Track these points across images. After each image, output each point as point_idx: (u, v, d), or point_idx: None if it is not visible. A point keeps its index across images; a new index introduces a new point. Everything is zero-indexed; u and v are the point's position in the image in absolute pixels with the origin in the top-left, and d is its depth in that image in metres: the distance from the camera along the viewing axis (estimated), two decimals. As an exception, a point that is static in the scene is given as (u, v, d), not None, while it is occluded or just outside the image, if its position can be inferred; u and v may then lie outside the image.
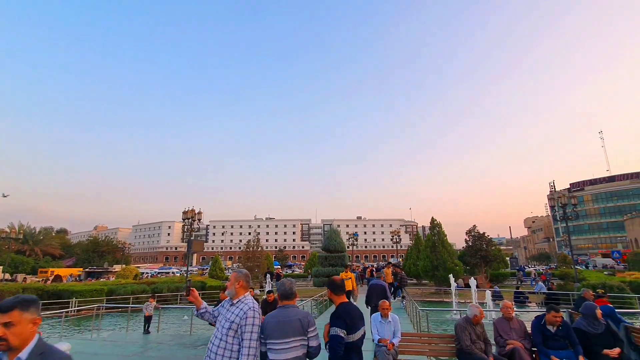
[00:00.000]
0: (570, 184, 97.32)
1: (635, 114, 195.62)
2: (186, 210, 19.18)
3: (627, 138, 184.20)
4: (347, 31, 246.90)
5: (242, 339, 2.75)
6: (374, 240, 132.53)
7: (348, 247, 33.90)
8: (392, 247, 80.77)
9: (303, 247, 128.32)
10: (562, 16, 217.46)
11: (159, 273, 51.16)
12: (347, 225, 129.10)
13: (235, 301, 2.97)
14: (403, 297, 16.10)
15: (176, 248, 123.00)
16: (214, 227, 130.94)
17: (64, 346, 5.33)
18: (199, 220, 19.60)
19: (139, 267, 58.10)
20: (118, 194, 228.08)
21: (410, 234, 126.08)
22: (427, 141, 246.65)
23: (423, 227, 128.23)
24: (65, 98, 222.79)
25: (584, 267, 48.65)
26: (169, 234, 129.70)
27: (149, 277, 43.70)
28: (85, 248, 60.00)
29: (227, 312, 2.94)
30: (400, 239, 47.09)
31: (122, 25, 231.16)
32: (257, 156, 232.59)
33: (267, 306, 9.44)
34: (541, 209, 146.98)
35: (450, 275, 17.35)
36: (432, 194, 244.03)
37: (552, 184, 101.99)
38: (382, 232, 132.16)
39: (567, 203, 21.06)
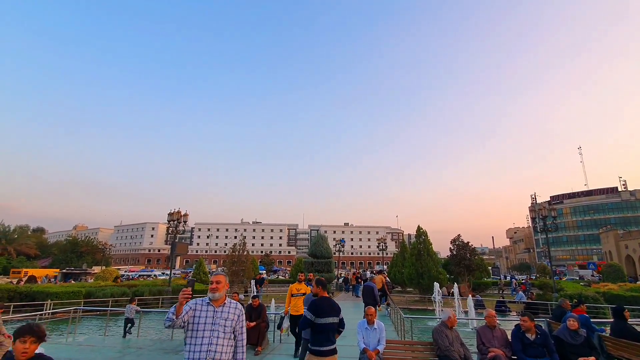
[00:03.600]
0: (550, 197, 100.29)
1: (612, 131, 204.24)
2: (172, 211, 18.83)
3: (604, 154, 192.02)
4: (340, 43, 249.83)
5: (239, 338, 3.18)
6: (360, 247, 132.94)
7: (334, 253, 33.90)
8: (378, 254, 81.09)
9: (289, 252, 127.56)
10: (544, 34, 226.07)
11: (140, 275, 49.80)
12: (334, 232, 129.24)
13: (226, 302, 3.18)
14: (388, 305, 16.19)
15: (159, 250, 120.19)
16: (199, 229, 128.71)
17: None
18: (185, 222, 19.27)
19: (119, 269, 56.42)
20: (101, 193, 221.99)
21: (396, 242, 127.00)
22: (414, 151, 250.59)
23: (409, 235, 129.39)
24: (48, 96, 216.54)
25: (559, 278, 50.03)
26: (152, 236, 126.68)
27: (130, 279, 42.62)
28: (63, 248, 57.90)
29: (220, 312, 3.10)
30: (387, 246, 47.36)
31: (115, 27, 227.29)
32: (246, 160, 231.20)
33: (252, 311, 9.35)
34: (523, 220, 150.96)
35: (436, 284, 17.55)
36: (418, 202, 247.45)
37: (533, 196, 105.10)
38: (369, 239, 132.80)
39: (548, 215, 21.68)
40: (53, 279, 36.86)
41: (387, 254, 56.47)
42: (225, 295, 3.23)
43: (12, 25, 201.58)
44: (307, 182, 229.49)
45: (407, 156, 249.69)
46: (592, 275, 47.41)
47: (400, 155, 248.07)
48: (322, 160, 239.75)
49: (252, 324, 8.84)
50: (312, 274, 16.33)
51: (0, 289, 18.68)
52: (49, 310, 15.26)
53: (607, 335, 6.64)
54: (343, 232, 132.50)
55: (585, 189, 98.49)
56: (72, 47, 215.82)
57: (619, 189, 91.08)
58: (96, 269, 45.85)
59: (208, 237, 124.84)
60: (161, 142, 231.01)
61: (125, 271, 56.19)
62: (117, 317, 15.36)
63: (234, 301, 3.27)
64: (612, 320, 6.99)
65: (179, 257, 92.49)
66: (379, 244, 45.16)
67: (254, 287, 18.65)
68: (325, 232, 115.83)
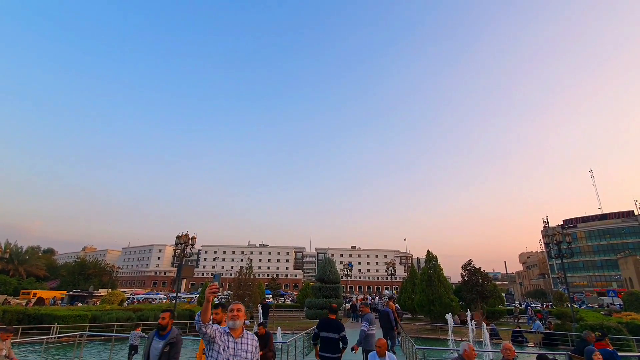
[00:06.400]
0: (563, 221, 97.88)
1: (623, 153, 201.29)
2: (180, 234, 18.92)
3: (616, 177, 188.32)
4: (351, 67, 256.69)
5: None
6: (368, 270, 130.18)
7: (342, 278, 33.23)
8: (387, 278, 79.17)
9: (296, 275, 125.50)
10: (553, 55, 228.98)
11: (145, 298, 49.35)
12: (342, 255, 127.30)
13: (244, 333, 3.14)
14: (398, 333, 15.64)
15: (165, 273, 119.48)
16: (206, 252, 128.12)
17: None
18: (193, 245, 19.29)
19: (125, 291, 56.09)
20: (111, 215, 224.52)
21: (405, 266, 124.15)
22: (423, 175, 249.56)
23: (418, 259, 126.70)
24: (58, 116, 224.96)
25: (578, 305, 47.93)
26: (159, 258, 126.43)
27: (135, 302, 42.19)
28: (71, 270, 58.05)
29: (240, 344, 3.05)
30: (395, 271, 46.34)
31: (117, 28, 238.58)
32: (253, 182, 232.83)
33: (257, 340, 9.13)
34: (536, 244, 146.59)
35: (449, 314, 16.94)
36: (427, 225, 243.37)
37: (545, 220, 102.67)
38: (377, 263, 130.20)
39: (562, 240, 21.08)
40: (60, 301, 36.74)
41: (395, 278, 55.18)
42: (242, 326, 3.15)
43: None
44: (314, 204, 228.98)
45: (416, 179, 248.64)
46: (613, 304, 45.25)
47: (409, 178, 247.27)
48: (329, 182, 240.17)
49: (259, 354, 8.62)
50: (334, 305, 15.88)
51: (10, 311, 18.78)
52: (55, 334, 15.15)
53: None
54: (350, 255, 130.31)
55: (599, 212, 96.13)
56: (79, 69, 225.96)
57: (635, 213, 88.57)
58: (103, 292, 45.66)
59: (214, 259, 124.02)
60: (170, 164, 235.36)
61: (130, 294, 55.86)
62: (122, 343, 15.13)
63: (250, 332, 3.19)
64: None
65: (185, 280, 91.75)
66: (387, 268, 44.22)
67: (261, 313, 18.19)
68: (333, 255, 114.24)
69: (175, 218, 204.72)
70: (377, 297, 44.66)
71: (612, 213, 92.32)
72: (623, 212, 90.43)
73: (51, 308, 22.98)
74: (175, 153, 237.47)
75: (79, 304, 32.69)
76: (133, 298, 48.20)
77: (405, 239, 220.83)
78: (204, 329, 2.87)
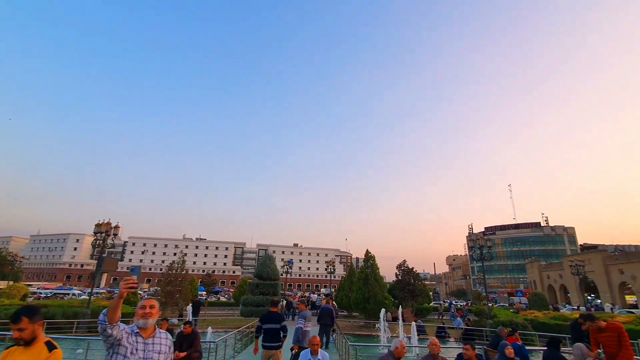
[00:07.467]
0: (485, 228, 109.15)
1: (537, 171, 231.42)
2: (100, 222, 16.67)
3: (530, 192, 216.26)
4: (295, 73, 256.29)
5: None
6: (309, 269, 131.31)
7: (282, 275, 32.72)
8: (327, 276, 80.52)
9: (234, 272, 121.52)
10: (486, 77, 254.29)
11: (56, 294, 43.45)
12: (283, 252, 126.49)
13: (156, 332, 2.78)
14: (333, 330, 15.67)
15: (82, 265, 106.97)
16: (133, 244, 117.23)
17: None
18: (115, 235, 17.13)
19: (30, 285, 49.02)
20: (18, 197, 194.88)
21: (344, 265, 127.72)
22: (369, 180, 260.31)
23: (357, 259, 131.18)
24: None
25: (493, 303, 53.65)
26: (75, 249, 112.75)
27: (42, 298, 36.98)
28: (-40, 259, 48.98)
29: (152, 345, 2.67)
30: (335, 269, 47.12)
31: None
32: (192, 174, 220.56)
33: (183, 339, 8.28)
34: (461, 248, 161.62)
35: (383, 310, 17.46)
36: (368, 227, 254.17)
37: (470, 227, 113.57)
38: (318, 262, 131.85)
39: (484, 245, 23.16)
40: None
41: (335, 277, 56.20)
42: (155, 325, 2.79)
43: None
44: (259, 201, 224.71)
45: (361, 184, 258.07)
46: (520, 303, 51.32)
47: (353, 181, 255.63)
48: (273, 180, 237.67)
49: (183, 354, 7.85)
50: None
51: None
52: None
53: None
54: (292, 253, 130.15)
55: (513, 222, 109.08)
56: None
57: (542, 224, 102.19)
58: (2, 284, 39.36)
59: (143, 252, 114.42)
60: (95, 145, 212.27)
61: (37, 288, 49.05)
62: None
63: (163, 331, 2.86)
64: (541, 348, 7.33)
65: (106, 275, 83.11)
66: (327, 266, 44.76)
67: (190, 312, 16.79)
68: (274, 252, 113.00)
69: (100, 206, 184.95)
70: (315, 295, 44.99)
71: (524, 223, 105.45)
72: (532, 223, 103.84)
73: None
74: (103, 132, 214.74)
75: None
76: (40, 293, 42.21)
77: (346, 239, 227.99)
78: (109, 331, 2.44)
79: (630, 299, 53.91)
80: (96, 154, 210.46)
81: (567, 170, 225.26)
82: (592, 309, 40.32)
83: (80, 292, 47.47)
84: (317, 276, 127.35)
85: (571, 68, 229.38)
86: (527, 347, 8.34)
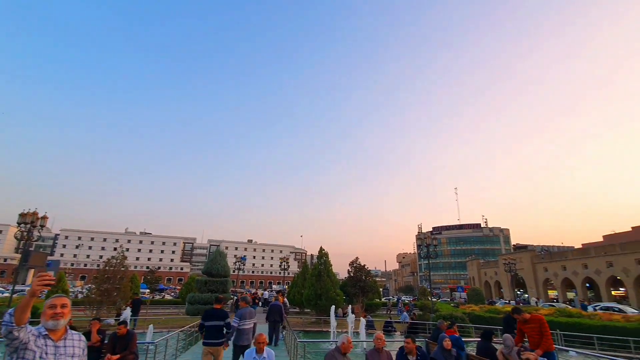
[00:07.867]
0: (432, 227, 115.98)
1: (481, 175, 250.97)
2: (25, 212, 14.75)
3: (474, 195, 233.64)
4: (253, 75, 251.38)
5: None
6: (263, 265, 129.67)
7: (234, 271, 31.81)
8: (280, 273, 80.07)
9: (182, 268, 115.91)
10: (438, 85, 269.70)
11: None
12: (236, 248, 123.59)
13: (67, 334, 2.49)
14: (283, 327, 15.54)
15: (6, 260, 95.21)
16: (66, 237, 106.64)
17: None
18: (42, 226, 15.29)
19: None
20: None
21: (299, 261, 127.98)
22: (321, 179, 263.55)
23: (312, 256, 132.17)
24: None
25: (436, 298, 57.32)
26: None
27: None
28: None
29: (63, 348, 2.39)
30: (289, 266, 47.00)
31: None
32: (143, 165, 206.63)
33: (117, 341, 7.61)
34: (411, 246, 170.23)
35: (333, 307, 17.67)
36: (323, 225, 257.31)
37: (419, 226, 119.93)
38: (272, 258, 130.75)
39: (431, 243, 24.53)
40: None
41: (288, 273, 56.12)
42: (66, 326, 2.50)
43: None
44: (212, 196, 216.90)
45: (316, 182, 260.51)
46: (461, 298, 55.37)
47: (309, 180, 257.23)
48: (229, 177, 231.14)
49: (115, 357, 7.24)
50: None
51: None
52: None
53: (474, 354, 7.37)
54: (246, 249, 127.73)
55: (457, 222, 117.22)
56: None
57: (482, 225, 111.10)
58: None
59: (77, 247, 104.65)
60: (26, 128, 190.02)
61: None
62: None
63: (75, 332, 2.62)
64: (477, 339, 7.90)
65: (33, 270, 74.67)
66: (281, 263, 44.47)
67: (129, 312, 15.51)
68: (227, 248, 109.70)
69: (29, 194, 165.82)
70: (267, 292, 44.49)
71: (466, 224, 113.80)
72: (473, 224, 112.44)
73: None
74: (38, 116, 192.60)
75: None
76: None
77: (302, 236, 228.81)
78: (15, 333, 2.15)
79: (552, 293, 60.82)
80: (26, 135, 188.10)
81: (505, 175, 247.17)
82: (521, 303, 44.67)
83: (2, 289, 42.21)
84: (271, 273, 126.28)
85: (509, 78, 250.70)
86: (464, 339, 8.91)
